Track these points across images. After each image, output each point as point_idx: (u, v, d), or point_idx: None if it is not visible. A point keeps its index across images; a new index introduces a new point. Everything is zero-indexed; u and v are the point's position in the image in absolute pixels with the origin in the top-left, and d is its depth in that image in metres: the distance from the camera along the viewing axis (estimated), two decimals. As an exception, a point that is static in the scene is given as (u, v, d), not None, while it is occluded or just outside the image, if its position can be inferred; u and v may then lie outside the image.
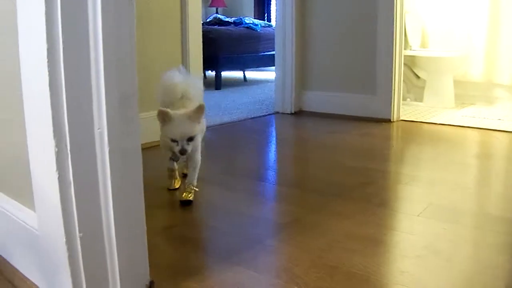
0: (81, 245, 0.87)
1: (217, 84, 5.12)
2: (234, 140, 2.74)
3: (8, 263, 1.14)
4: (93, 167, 0.87)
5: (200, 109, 1.48)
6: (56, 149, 0.83)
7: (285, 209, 1.60)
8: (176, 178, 1.73)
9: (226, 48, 5.10)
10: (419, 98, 3.85)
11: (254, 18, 6.63)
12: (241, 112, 3.52)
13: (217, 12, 7.10)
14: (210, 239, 1.37)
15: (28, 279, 1.06)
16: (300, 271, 1.10)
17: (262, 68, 6.34)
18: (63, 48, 0.80)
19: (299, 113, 3.44)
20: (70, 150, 0.84)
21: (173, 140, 1.46)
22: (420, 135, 2.78)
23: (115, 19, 0.85)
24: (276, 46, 3.51)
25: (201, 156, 1.62)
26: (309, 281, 1.06)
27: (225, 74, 5.70)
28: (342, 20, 3.25)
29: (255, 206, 1.62)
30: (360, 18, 3.16)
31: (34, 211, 0.98)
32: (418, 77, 3.91)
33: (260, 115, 3.42)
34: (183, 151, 1.47)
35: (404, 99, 3.50)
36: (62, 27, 0.80)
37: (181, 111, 1.48)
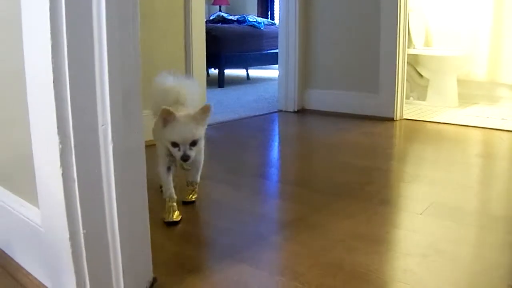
0: (85, 241, 0.87)
1: (220, 82, 5.12)
2: (237, 138, 2.74)
3: (12, 259, 1.15)
4: (97, 163, 0.87)
5: (205, 110, 1.32)
6: (60, 146, 0.83)
7: (288, 207, 1.61)
8: (176, 211, 1.41)
9: (229, 46, 5.10)
10: (422, 97, 3.84)
11: (258, 16, 6.63)
12: (244, 110, 3.52)
13: (220, 10, 7.10)
14: (213, 236, 1.37)
15: (32, 275, 1.06)
16: (303, 269, 1.11)
17: (265, 66, 6.34)
18: (67, 45, 0.81)
19: (302, 111, 3.44)
20: (74, 147, 0.84)
21: (174, 145, 1.31)
22: (423, 134, 2.78)
23: (120, 16, 0.85)
24: (279, 44, 3.51)
25: (204, 154, 1.52)
26: (311, 279, 1.06)
27: (228, 72, 5.69)
28: (346, 18, 3.24)
29: (258, 204, 1.62)
30: (363, 16, 3.15)
31: (38, 207, 0.98)
32: (421, 76, 3.90)
33: (263, 113, 3.42)
34: (185, 157, 1.30)
35: (407, 98, 3.49)
36: (66, 23, 0.80)
37: (185, 112, 1.33)
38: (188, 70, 2.60)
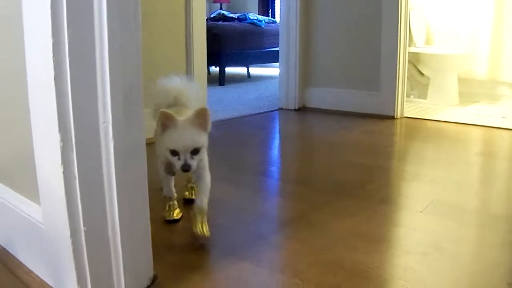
0: (86, 238, 0.88)
1: (220, 80, 5.12)
2: (237, 136, 2.75)
3: (13, 256, 1.15)
4: (98, 161, 0.87)
5: (200, 113, 1.15)
6: (61, 143, 0.84)
7: (288, 205, 1.61)
8: (176, 209, 1.38)
9: (230, 44, 5.09)
10: (423, 95, 3.84)
11: (258, 14, 6.63)
12: (245, 108, 3.52)
13: (221, 8, 7.09)
14: (214, 234, 1.37)
15: (33, 272, 1.07)
16: (304, 267, 1.11)
17: (266, 64, 6.34)
18: (68, 43, 0.81)
19: (302, 109, 3.44)
20: (75, 144, 0.84)
21: (174, 153, 1.15)
22: (424, 132, 2.78)
23: (121, 15, 0.85)
24: (280, 42, 3.51)
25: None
26: (312, 277, 1.06)
27: (229, 70, 5.69)
28: (347, 17, 3.24)
29: (259, 202, 1.62)
30: (364, 14, 3.15)
31: (39, 205, 0.98)
32: (422, 74, 3.90)
33: (264, 111, 3.42)
34: (186, 167, 1.14)
35: (408, 96, 3.49)
36: (67, 21, 0.80)
37: (183, 116, 1.18)
38: (189, 69, 2.60)
